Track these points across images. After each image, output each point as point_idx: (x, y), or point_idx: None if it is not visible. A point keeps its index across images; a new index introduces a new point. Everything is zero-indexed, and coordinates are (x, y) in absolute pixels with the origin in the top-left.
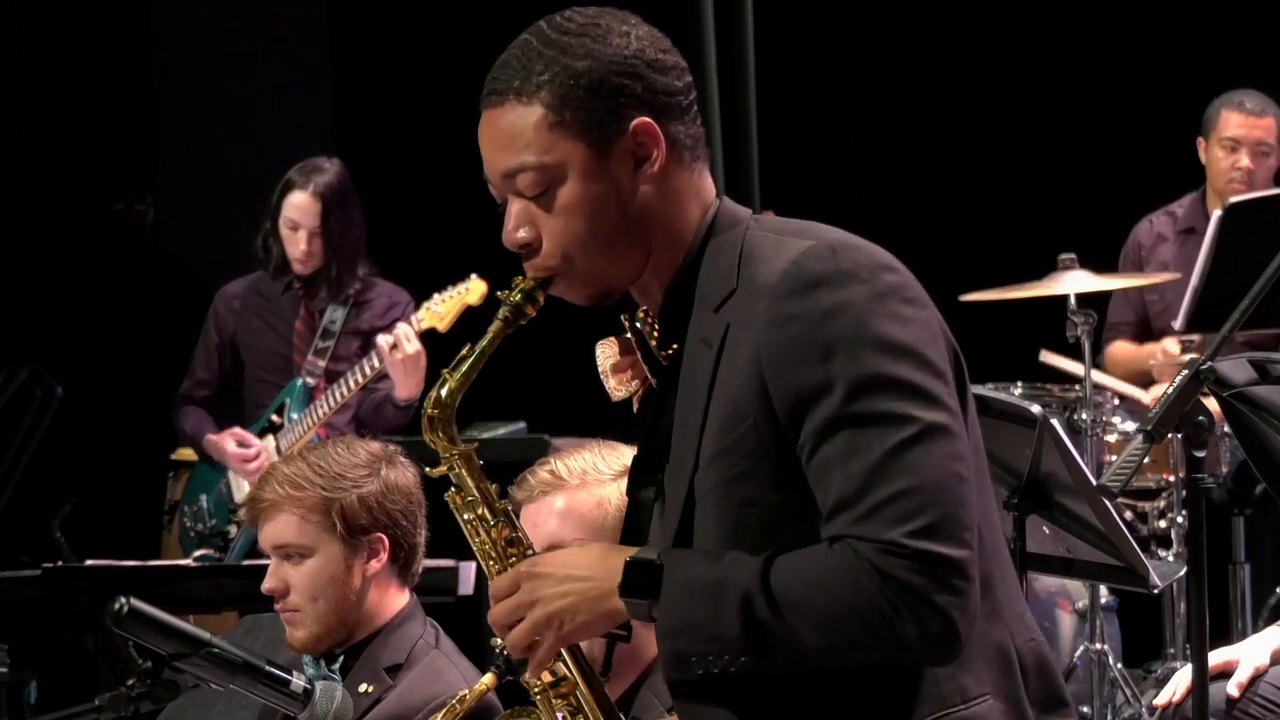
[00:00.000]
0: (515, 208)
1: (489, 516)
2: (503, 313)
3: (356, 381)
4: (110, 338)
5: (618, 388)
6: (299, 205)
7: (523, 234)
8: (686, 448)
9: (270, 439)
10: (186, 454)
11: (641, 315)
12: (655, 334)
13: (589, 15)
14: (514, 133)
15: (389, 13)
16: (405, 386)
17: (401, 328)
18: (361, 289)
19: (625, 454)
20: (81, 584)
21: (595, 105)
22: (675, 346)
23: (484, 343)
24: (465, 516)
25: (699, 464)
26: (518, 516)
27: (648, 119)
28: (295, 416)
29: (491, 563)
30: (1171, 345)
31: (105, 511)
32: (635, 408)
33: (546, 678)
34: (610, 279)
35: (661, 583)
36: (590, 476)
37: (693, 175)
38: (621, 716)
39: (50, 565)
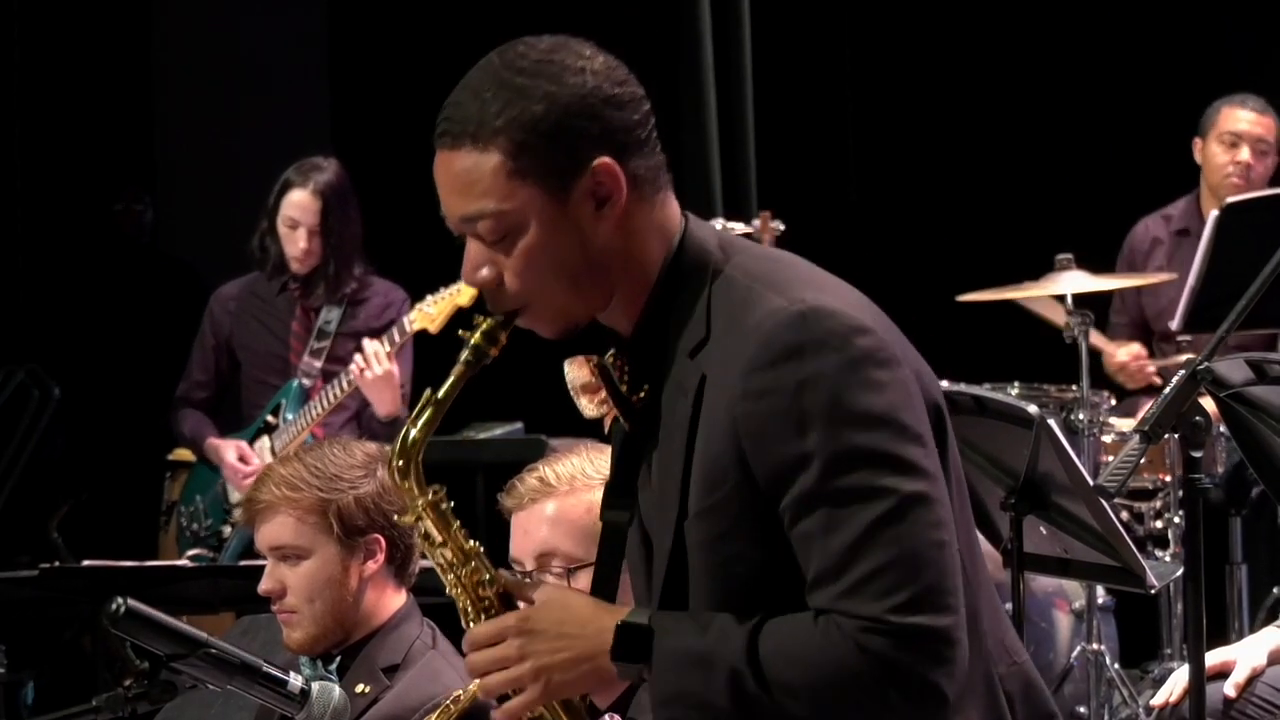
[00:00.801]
0: (473, 249)
1: (459, 561)
2: (465, 355)
3: (350, 382)
4: (109, 338)
5: (589, 406)
6: (299, 203)
7: (484, 273)
8: (670, 497)
9: (265, 440)
10: (184, 454)
11: (610, 358)
12: (624, 378)
13: (543, 50)
14: (471, 179)
15: (387, 14)
16: (381, 404)
17: (370, 348)
18: (358, 288)
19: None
20: (79, 584)
21: (554, 150)
22: (647, 388)
23: (446, 388)
24: (437, 561)
25: (686, 513)
26: (502, 513)
27: (607, 159)
28: (290, 417)
29: (465, 604)
30: (1123, 355)
31: (103, 512)
32: (605, 427)
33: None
34: (573, 315)
35: (652, 649)
36: (580, 481)
37: (654, 209)
38: None
39: (48, 565)
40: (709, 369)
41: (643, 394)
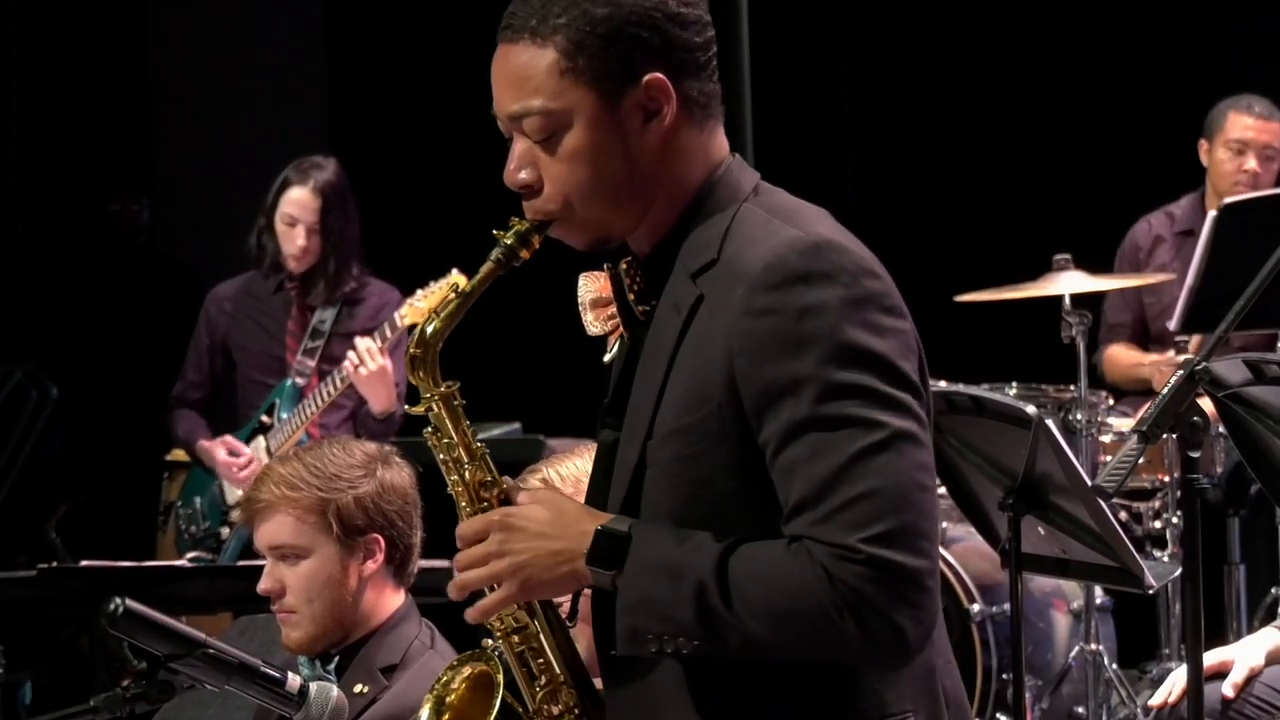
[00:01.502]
0: (519, 148)
1: (465, 458)
2: (496, 253)
3: (343, 380)
4: (106, 338)
5: (594, 323)
6: (298, 201)
7: (524, 175)
8: (642, 412)
9: (261, 439)
10: (181, 455)
11: (625, 265)
12: (635, 286)
13: None
14: (525, 74)
15: (384, 13)
16: (376, 401)
17: (363, 345)
18: (355, 288)
19: None
20: (77, 585)
21: (610, 54)
22: (654, 302)
23: (474, 282)
24: (441, 457)
25: (653, 432)
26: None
27: (661, 74)
28: (285, 416)
29: (464, 504)
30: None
31: (100, 512)
32: (610, 345)
33: (510, 621)
34: (609, 228)
35: (627, 555)
36: (584, 483)
37: (703, 134)
38: (584, 664)
39: (45, 566)
40: (708, 289)
41: (649, 308)
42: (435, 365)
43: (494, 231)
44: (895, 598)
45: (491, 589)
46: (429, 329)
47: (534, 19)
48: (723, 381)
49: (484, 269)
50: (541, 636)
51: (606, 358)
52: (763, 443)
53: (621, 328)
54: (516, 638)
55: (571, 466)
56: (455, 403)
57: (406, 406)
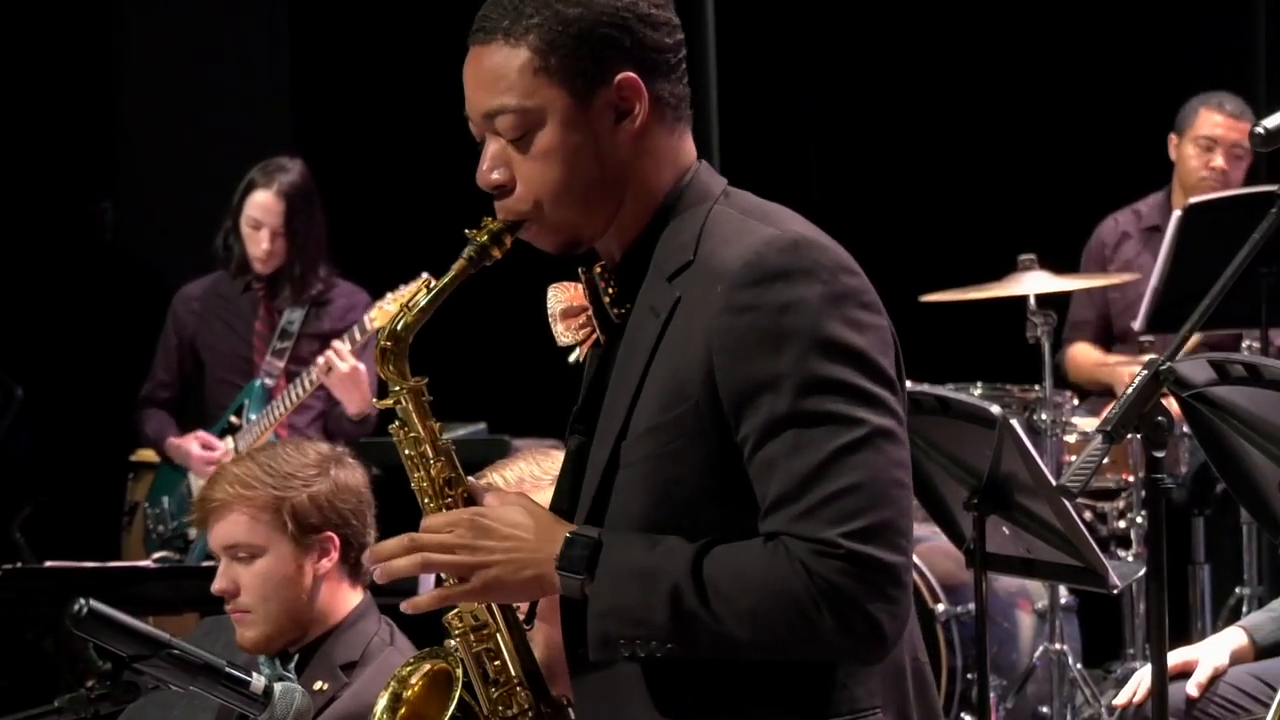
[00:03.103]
0: (492, 148)
1: (430, 454)
2: (468, 251)
3: (312, 381)
4: (71, 339)
5: (565, 333)
6: (262, 204)
7: (497, 175)
8: (616, 412)
9: (230, 440)
10: (147, 455)
11: (599, 270)
12: (610, 290)
13: None
14: (498, 73)
15: (349, 14)
16: (351, 403)
17: (334, 348)
18: (323, 289)
19: (561, 459)
20: (41, 585)
21: (582, 54)
22: (628, 306)
23: (446, 279)
24: (406, 452)
25: (627, 432)
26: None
27: (633, 74)
28: (254, 417)
29: (428, 500)
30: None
31: (65, 513)
32: (580, 355)
33: (470, 619)
34: (580, 229)
35: (598, 562)
36: (528, 484)
37: (673, 136)
38: (539, 667)
39: (10, 566)
40: (686, 291)
41: (623, 311)
42: (405, 360)
43: (466, 231)
44: (874, 592)
45: (448, 580)
46: (400, 324)
47: (506, 20)
48: (701, 379)
49: (456, 266)
50: (499, 637)
51: (572, 358)
52: (741, 439)
53: (595, 335)
54: (474, 637)
55: (515, 469)
56: (423, 398)
57: (374, 400)
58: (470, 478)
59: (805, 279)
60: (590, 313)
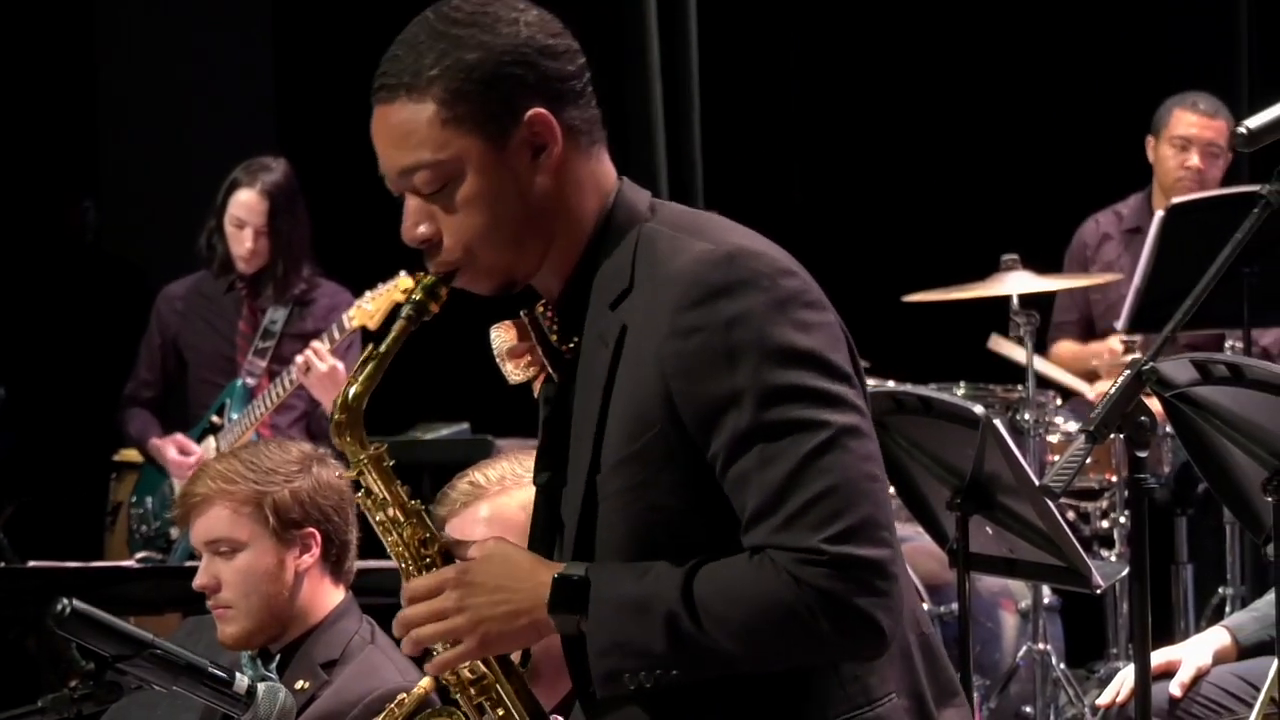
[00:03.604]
0: (413, 204)
1: (400, 517)
2: (406, 311)
3: (293, 380)
4: (53, 339)
5: (515, 372)
6: (246, 203)
7: (423, 230)
8: (583, 446)
9: (211, 440)
10: (130, 455)
11: (540, 308)
12: (554, 327)
13: (476, 3)
14: (407, 130)
15: (332, 13)
16: (330, 403)
17: (312, 348)
18: (306, 289)
19: None
20: (24, 585)
21: (489, 98)
22: (576, 339)
23: (387, 343)
24: (377, 518)
25: (599, 465)
26: (435, 522)
27: (542, 109)
28: (235, 416)
29: (407, 564)
30: (1116, 344)
31: (48, 513)
32: (535, 392)
33: (467, 675)
34: (514, 270)
35: (589, 600)
36: (510, 481)
37: (590, 161)
38: (543, 708)
39: None
40: (630, 318)
41: (572, 344)
42: (360, 428)
43: (400, 292)
44: (865, 591)
45: (446, 645)
46: (350, 393)
47: (406, 75)
48: (661, 405)
49: (396, 328)
50: (499, 687)
51: (536, 394)
52: (711, 457)
53: (546, 370)
54: (473, 690)
55: (498, 468)
56: (385, 464)
57: (338, 473)
58: (444, 533)
59: (746, 290)
60: (534, 345)
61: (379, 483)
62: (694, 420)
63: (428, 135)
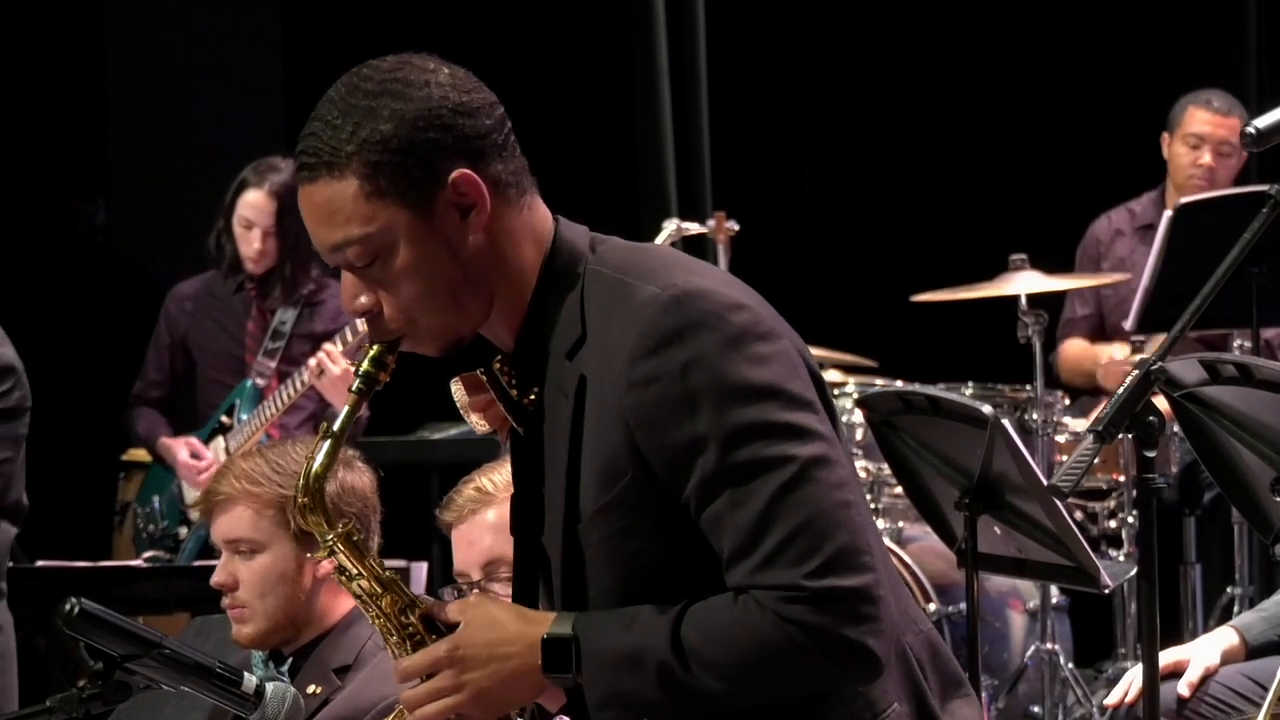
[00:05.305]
0: (349, 278)
1: (378, 589)
2: (356, 385)
3: (304, 382)
4: (62, 339)
5: (480, 424)
6: (254, 204)
7: (362, 300)
8: (557, 500)
9: (220, 440)
10: (138, 455)
11: (497, 365)
12: (512, 383)
13: (386, 70)
14: (333, 208)
15: (342, 13)
16: (342, 405)
17: (325, 350)
18: (315, 290)
19: None
20: (33, 585)
21: (408, 165)
22: (537, 390)
23: (341, 420)
24: (356, 593)
25: (577, 515)
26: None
27: (465, 169)
28: (245, 417)
29: (390, 637)
30: (1119, 352)
31: (56, 512)
32: (502, 440)
33: None
34: (458, 329)
35: (581, 657)
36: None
37: (523, 212)
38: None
39: None
40: (587, 368)
41: (532, 395)
42: (325, 508)
43: (349, 365)
44: (851, 620)
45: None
46: (311, 472)
47: (325, 153)
48: (628, 454)
49: (349, 401)
50: None
51: (503, 443)
52: (684, 501)
53: (510, 422)
54: None
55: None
56: (356, 538)
57: (309, 555)
58: (425, 596)
59: (696, 333)
60: (492, 399)
61: (351, 558)
62: (663, 468)
63: (353, 211)
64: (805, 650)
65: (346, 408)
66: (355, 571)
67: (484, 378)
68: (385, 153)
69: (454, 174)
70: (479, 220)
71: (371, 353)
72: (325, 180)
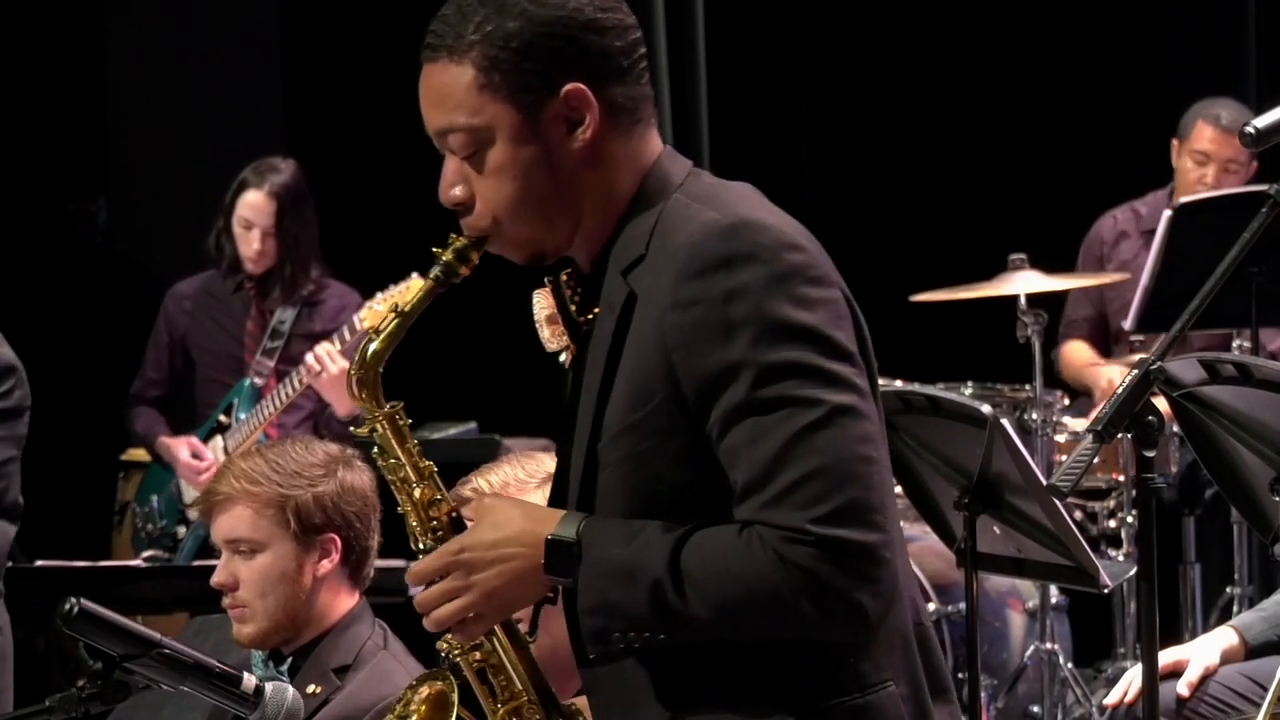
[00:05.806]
0: (450, 165)
1: (413, 478)
2: (434, 271)
3: (302, 381)
4: (62, 338)
5: (550, 340)
6: (253, 204)
7: (456, 192)
8: (587, 416)
9: (219, 439)
10: (137, 454)
11: (565, 277)
12: (576, 298)
13: None
14: (446, 92)
15: (341, 14)
16: (341, 405)
17: (322, 349)
18: (314, 290)
19: (546, 461)
20: (32, 584)
21: (525, 68)
22: (596, 311)
23: (413, 301)
24: (389, 478)
25: (601, 433)
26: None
27: (581, 84)
28: (243, 417)
29: (414, 523)
30: (1119, 376)
31: (55, 512)
32: (566, 361)
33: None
34: (542, 243)
35: (580, 561)
36: (512, 487)
37: (631, 140)
38: (545, 677)
39: None
40: (639, 285)
41: (591, 315)
42: (378, 386)
43: (433, 249)
44: (850, 575)
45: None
46: (370, 349)
47: (450, 37)
48: (663, 376)
49: (424, 287)
50: (501, 654)
51: (562, 358)
52: (708, 430)
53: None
54: (477, 654)
55: (500, 473)
56: (400, 422)
57: (352, 429)
58: (452, 492)
59: (745, 263)
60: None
61: (393, 440)
62: (693, 393)
63: (464, 99)
64: (798, 594)
65: (421, 293)
66: (395, 457)
67: (550, 285)
68: (505, 50)
69: (568, 86)
70: (584, 137)
71: (457, 244)
72: (444, 63)
